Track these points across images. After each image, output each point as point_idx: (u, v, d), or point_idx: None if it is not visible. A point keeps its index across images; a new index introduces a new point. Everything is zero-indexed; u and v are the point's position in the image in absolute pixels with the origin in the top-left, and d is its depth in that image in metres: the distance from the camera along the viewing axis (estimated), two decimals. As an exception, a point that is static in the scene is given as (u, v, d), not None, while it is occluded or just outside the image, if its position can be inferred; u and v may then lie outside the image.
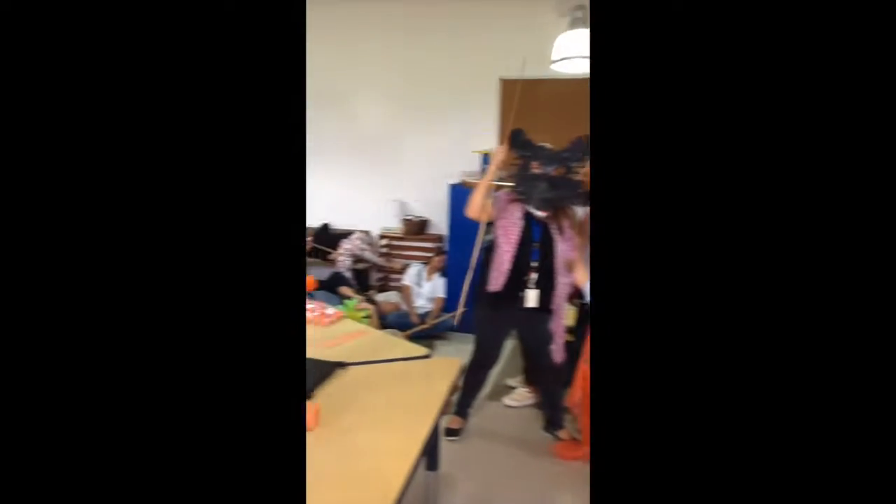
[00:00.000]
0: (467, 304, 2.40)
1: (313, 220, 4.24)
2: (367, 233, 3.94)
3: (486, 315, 2.04)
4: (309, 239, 3.91)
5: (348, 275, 3.49)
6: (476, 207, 1.91)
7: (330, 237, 3.93)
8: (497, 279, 1.93)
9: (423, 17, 3.81)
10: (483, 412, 2.32)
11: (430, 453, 1.50)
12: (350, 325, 1.82)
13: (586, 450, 1.92)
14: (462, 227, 3.28)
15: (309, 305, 1.87)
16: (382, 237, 3.95)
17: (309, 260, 3.87)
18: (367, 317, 3.00)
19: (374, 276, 3.80)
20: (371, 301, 3.29)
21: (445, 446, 1.95)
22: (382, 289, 3.71)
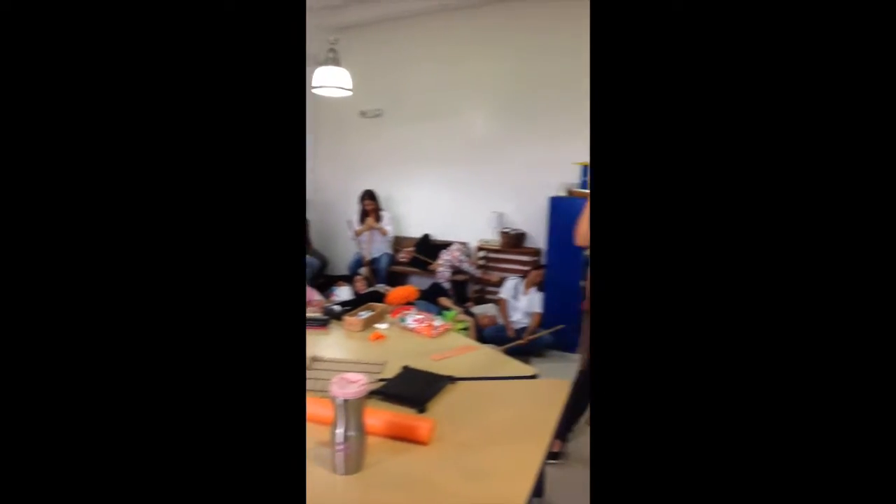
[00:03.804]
0: (564, 320, 2.33)
1: (415, 230, 4.37)
2: (465, 244, 3.98)
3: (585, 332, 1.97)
4: (410, 249, 4.05)
5: (447, 286, 3.55)
6: (584, 234, 1.80)
7: (430, 248, 4.03)
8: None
9: (521, 30, 3.81)
10: (583, 437, 2.23)
11: (537, 478, 1.47)
12: (458, 339, 1.85)
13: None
14: (561, 240, 3.22)
15: (418, 315, 1.92)
16: (480, 249, 3.98)
17: (409, 270, 4.00)
18: (465, 328, 3.03)
19: (472, 289, 3.84)
20: (469, 313, 3.32)
21: (547, 470, 1.90)
22: (479, 301, 3.73)
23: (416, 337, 1.83)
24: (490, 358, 1.69)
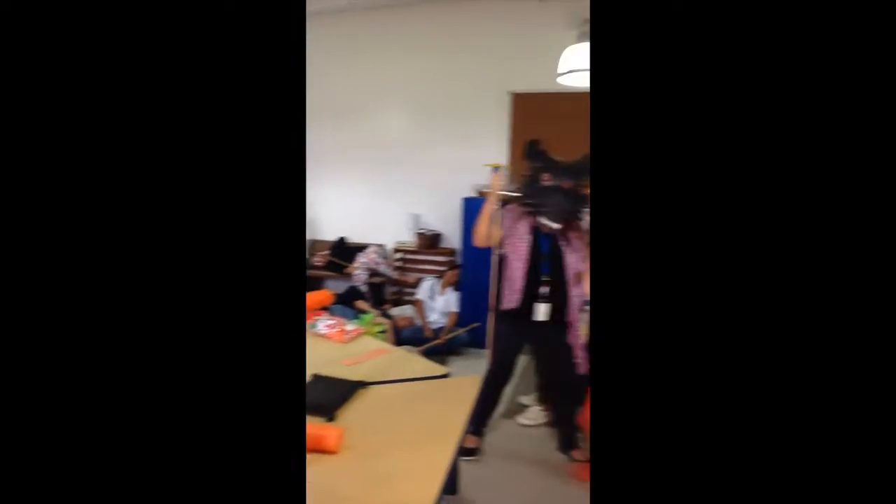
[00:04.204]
0: (480, 319, 2.40)
1: (330, 233, 4.27)
2: (381, 246, 3.96)
3: (500, 331, 2.04)
4: (326, 253, 3.94)
5: (364, 289, 3.51)
6: (483, 236, 1.93)
7: (346, 251, 3.95)
8: (511, 296, 1.93)
9: (437, 32, 3.86)
10: (498, 431, 2.30)
11: (449, 477, 1.49)
12: (370, 343, 1.83)
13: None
14: (476, 241, 3.29)
15: (330, 321, 1.88)
16: (396, 251, 3.97)
17: (325, 273, 3.90)
18: (383, 332, 3.01)
19: (389, 291, 3.82)
20: (386, 315, 3.30)
21: (462, 467, 1.94)
22: (397, 303, 3.72)
23: (327, 343, 1.79)
24: (403, 360, 1.70)
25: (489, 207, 1.91)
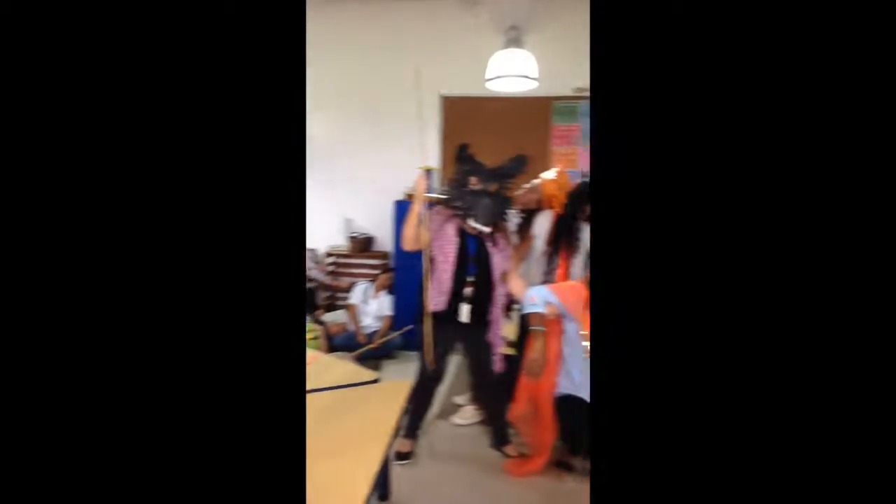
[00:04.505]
0: (414, 321, 2.39)
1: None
2: (313, 251, 3.85)
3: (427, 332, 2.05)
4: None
5: (293, 295, 3.39)
6: (410, 239, 1.92)
7: (273, 256, 3.81)
8: (439, 298, 1.95)
9: (368, 32, 3.82)
10: (433, 432, 2.31)
11: (381, 482, 1.48)
12: (297, 351, 1.77)
13: (537, 463, 1.95)
14: (409, 244, 3.28)
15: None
16: (328, 255, 3.88)
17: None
18: (316, 338, 2.93)
19: (321, 296, 3.72)
20: (319, 322, 3.22)
21: (397, 471, 1.92)
22: (330, 308, 3.63)
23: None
24: (333, 367, 1.66)
25: (416, 210, 1.92)
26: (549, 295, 1.91)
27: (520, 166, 1.95)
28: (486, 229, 1.93)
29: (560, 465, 2.00)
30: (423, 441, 2.19)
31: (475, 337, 2.03)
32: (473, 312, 1.97)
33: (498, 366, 2.05)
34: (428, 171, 3.53)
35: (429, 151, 3.76)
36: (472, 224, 1.93)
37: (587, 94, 3.50)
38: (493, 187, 1.93)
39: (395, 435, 1.25)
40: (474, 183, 1.94)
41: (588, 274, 2.27)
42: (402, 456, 2.05)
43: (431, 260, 1.99)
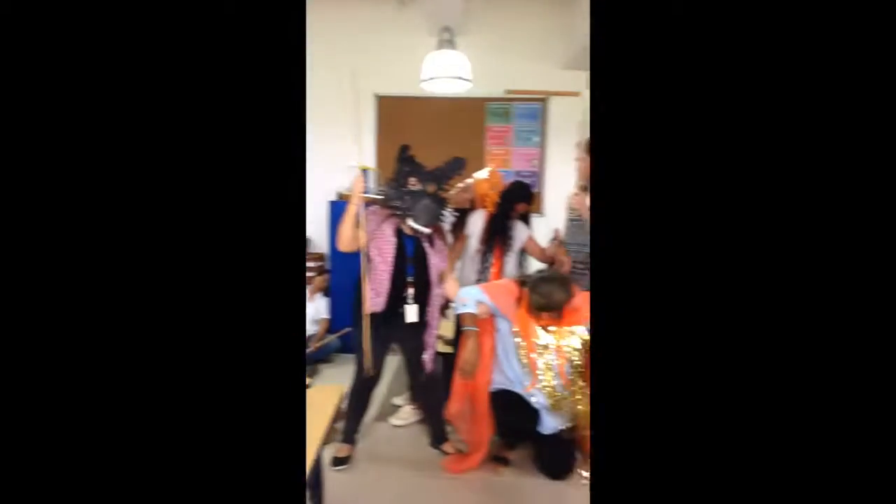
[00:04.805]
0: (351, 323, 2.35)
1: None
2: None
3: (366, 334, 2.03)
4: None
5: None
6: (347, 239, 1.89)
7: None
8: (377, 299, 1.93)
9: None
10: (371, 435, 2.28)
11: (313, 490, 1.44)
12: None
13: (475, 458, 1.98)
14: (345, 245, 3.22)
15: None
16: (261, 258, 3.74)
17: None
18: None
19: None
20: (249, 327, 3.10)
21: (334, 477, 1.89)
22: (262, 313, 3.50)
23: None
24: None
25: (352, 211, 1.89)
26: (479, 295, 1.94)
27: (458, 167, 1.98)
28: (426, 230, 1.94)
29: (497, 459, 2.04)
30: (361, 445, 2.16)
31: (413, 337, 2.03)
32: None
33: (429, 366, 2.06)
34: (365, 171, 3.50)
35: (364, 151, 3.72)
36: (412, 224, 1.93)
37: (518, 96, 3.59)
38: (431, 188, 1.94)
39: (326, 442, 1.22)
40: (413, 184, 1.93)
41: (521, 272, 2.33)
42: (339, 461, 2.01)
43: (369, 260, 1.97)
